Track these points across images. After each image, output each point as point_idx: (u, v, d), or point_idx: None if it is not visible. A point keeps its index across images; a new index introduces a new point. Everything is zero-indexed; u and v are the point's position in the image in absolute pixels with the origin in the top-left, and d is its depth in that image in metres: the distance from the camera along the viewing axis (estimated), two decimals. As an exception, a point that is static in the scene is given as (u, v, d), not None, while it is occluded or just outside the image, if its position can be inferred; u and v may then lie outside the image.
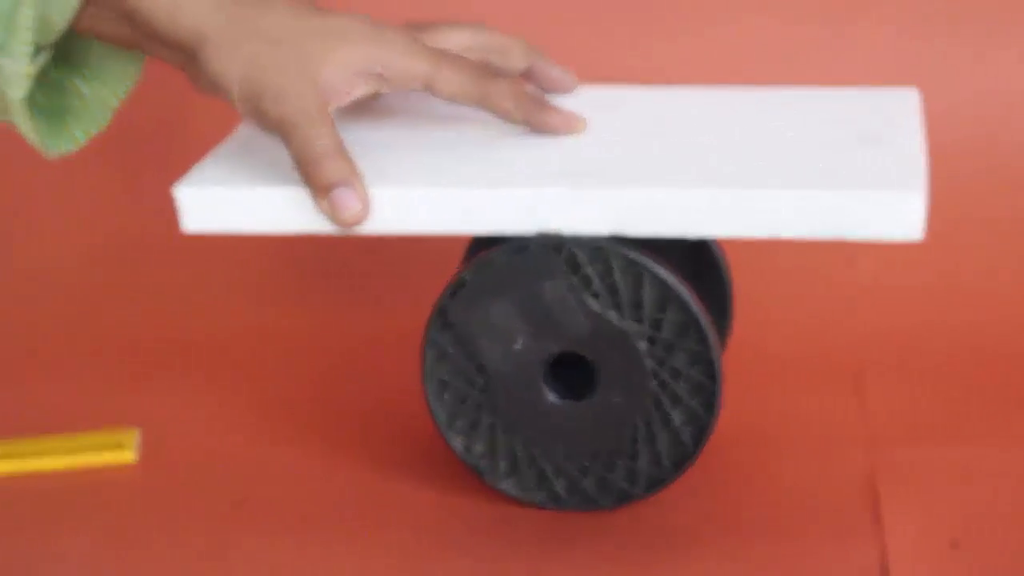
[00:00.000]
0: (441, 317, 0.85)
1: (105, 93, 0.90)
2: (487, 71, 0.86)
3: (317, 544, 0.87)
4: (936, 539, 0.85)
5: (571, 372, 0.86)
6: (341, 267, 1.15)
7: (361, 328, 1.10)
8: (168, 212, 0.86)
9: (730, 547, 0.86)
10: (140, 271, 1.15)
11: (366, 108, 0.89)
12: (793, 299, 1.07)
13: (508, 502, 0.89)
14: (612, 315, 0.83)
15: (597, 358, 0.84)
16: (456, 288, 0.84)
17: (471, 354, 0.85)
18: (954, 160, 1.09)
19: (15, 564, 0.87)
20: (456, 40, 0.89)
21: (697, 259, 0.95)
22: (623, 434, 0.86)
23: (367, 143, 0.85)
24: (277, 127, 0.82)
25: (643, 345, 0.83)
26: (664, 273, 0.82)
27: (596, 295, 0.83)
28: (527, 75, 0.91)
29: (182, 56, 0.84)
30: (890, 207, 0.78)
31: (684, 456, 0.86)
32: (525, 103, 0.86)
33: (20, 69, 0.82)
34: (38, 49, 0.83)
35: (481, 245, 0.95)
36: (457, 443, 0.87)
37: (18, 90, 0.83)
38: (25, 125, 0.85)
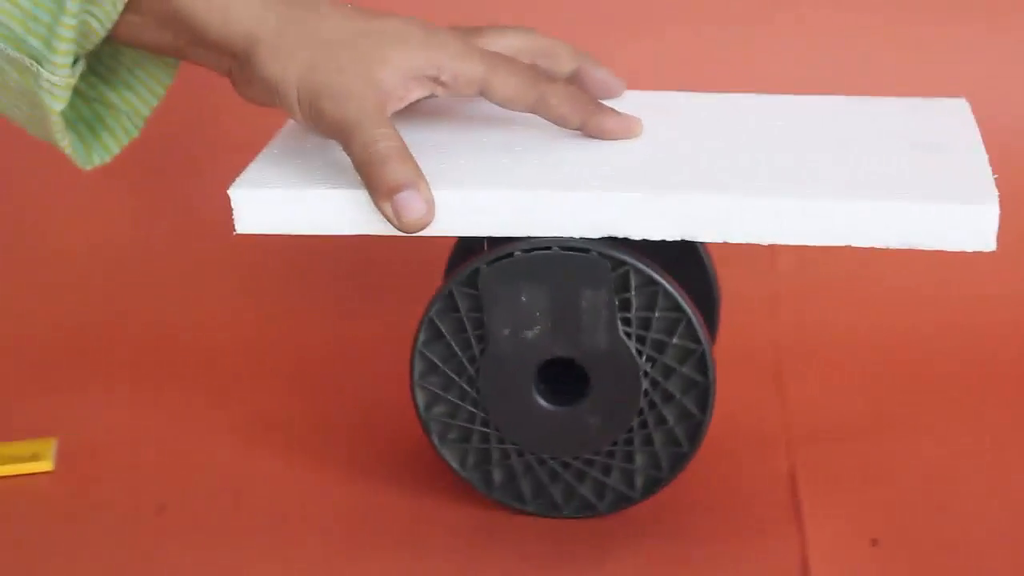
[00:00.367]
0: (431, 329, 0.85)
1: (136, 102, 0.89)
2: (542, 74, 0.85)
3: (241, 551, 0.87)
4: (856, 537, 0.85)
5: (559, 375, 0.86)
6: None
7: (301, 331, 1.10)
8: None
9: (649, 547, 0.86)
10: (62, 273, 1.14)
11: (413, 111, 0.87)
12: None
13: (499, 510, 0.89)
14: (627, 341, 0.84)
15: (588, 363, 0.84)
16: (500, 257, 0.83)
17: (466, 342, 0.85)
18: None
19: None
20: (505, 43, 0.88)
21: (683, 258, 0.94)
22: (617, 437, 0.86)
23: (420, 146, 0.83)
24: (337, 129, 0.81)
25: (633, 345, 0.84)
26: (649, 270, 0.82)
27: (628, 321, 0.83)
28: (574, 78, 0.90)
29: (228, 61, 0.84)
30: (965, 219, 0.79)
31: (680, 456, 0.86)
32: (581, 107, 0.86)
33: (60, 80, 0.81)
34: (76, 59, 0.82)
35: (465, 250, 0.94)
36: (451, 457, 0.87)
37: (58, 102, 0.82)
38: (63, 139, 0.84)
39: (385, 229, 0.82)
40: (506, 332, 0.84)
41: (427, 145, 0.85)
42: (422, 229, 0.81)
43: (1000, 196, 0.80)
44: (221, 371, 1.06)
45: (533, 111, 0.85)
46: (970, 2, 1.13)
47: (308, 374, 1.05)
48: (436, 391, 0.86)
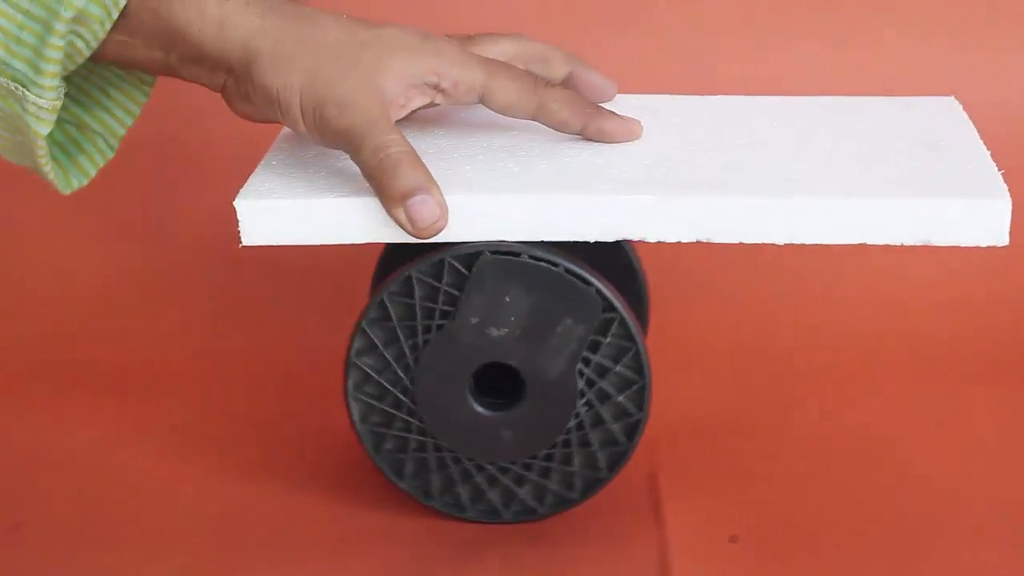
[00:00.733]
0: (364, 338, 0.85)
1: (111, 122, 0.88)
2: (540, 80, 0.86)
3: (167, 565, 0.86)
4: (715, 534, 0.86)
5: (491, 378, 0.86)
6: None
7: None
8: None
9: (510, 548, 0.86)
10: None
11: (410, 119, 0.87)
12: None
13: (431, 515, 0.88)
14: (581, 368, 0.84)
15: (531, 378, 0.84)
16: (501, 252, 0.82)
17: (400, 351, 0.85)
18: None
19: None
20: (498, 50, 0.88)
21: (612, 258, 0.95)
22: (555, 438, 0.86)
23: (422, 153, 0.83)
24: (344, 138, 0.81)
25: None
26: (583, 272, 0.83)
27: (591, 356, 0.84)
28: (567, 82, 0.90)
29: (223, 76, 0.83)
30: (979, 214, 0.80)
31: (619, 455, 0.86)
32: (581, 110, 0.86)
33: (47, 103, 0.80)
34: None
35: (391, 258, 0.94)
36: (386, 466, 0.87)
37: (45, 126, 0.81)
38: (47, 163, 0.83)
39: (397, 236, 0.82)
40: (474, 321, 0.83)
41: (429, 152, 0.85)
42: (436, 234, 0.81)
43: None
44: (159, 383, 1.06)
45: (533, 117, 0.86)
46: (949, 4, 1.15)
47: (244, 385, 1.05)
48: (371, 401, 0.86)
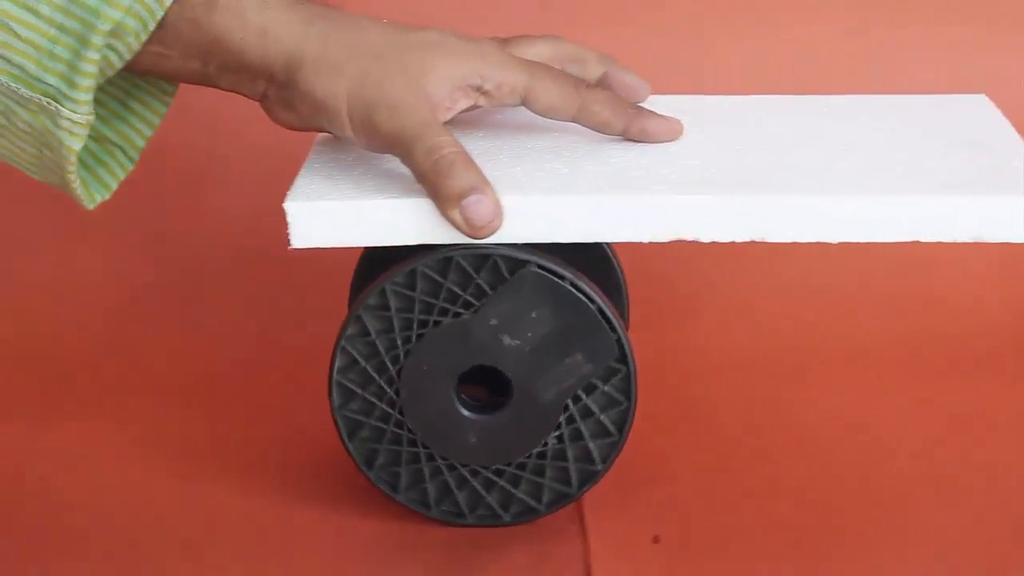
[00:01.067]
0: (358, 323, 0.84)
1: (131, 133, 0.87)
2: (582, 82, 0.86)
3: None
4: (638, 535, 0.86)
5: (478, 380, 0.86)
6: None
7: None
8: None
9: (431, 557, 0.86)
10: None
11: (451, 122, 0.86)
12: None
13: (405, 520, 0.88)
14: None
15: (519, 381, 0.84)
16: (546, 268, 0.83)
17: (381, 365, 0.84)
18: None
19: None
20: (535, 52, 0.88)
21: (594, 262, 0.94)
22: (524, 454, 0.86)
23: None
24: (395, 141, 0.81)
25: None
26: (612, 317, 0.83)
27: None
28: (602, 83, 0.89)
29: (265, 84, 0.83)
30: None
31: (590, 474, 0.86)
32: (623, 111, 0.86)
33: (82, 118, 0.79)
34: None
35: (370, 263, 0.93)
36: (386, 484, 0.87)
37: (78, 141, 0.80)
38: (75, 179, 0.82)
39: (450, 236, 0.82)
40: (493, 322, 0.83)
41: (474, 153, 0.84)
42: (492, 234, 0.81)
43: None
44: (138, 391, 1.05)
45: (575, 119, 0.86)
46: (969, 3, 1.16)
47: (224, 392, 1.04)
48: (358, 418, 0.86)
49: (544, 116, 0.85)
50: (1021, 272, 1.11)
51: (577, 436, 0.85)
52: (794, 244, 0.82)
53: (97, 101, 0.83)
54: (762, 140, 0.88)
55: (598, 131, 0.87)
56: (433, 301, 0.83)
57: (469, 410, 0.85)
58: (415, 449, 0.86)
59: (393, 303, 0.83)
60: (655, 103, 0.90)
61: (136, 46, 0.79)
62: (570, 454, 0.85)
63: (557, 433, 0.85)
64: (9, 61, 0.78)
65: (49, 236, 1.14)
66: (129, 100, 0.87)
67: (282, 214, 0.82)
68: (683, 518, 0.88)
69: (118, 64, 0.80)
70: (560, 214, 0.81)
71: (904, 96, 0.95)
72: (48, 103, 0.79)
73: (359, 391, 0.85)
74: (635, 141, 0.87)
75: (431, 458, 0.86)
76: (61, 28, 0.78)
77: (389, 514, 0.88)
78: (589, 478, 0.86)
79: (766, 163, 0.85)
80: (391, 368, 0.84)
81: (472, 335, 0.83)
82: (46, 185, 0.85)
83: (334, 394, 0.85)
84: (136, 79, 0.86)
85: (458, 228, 0.81)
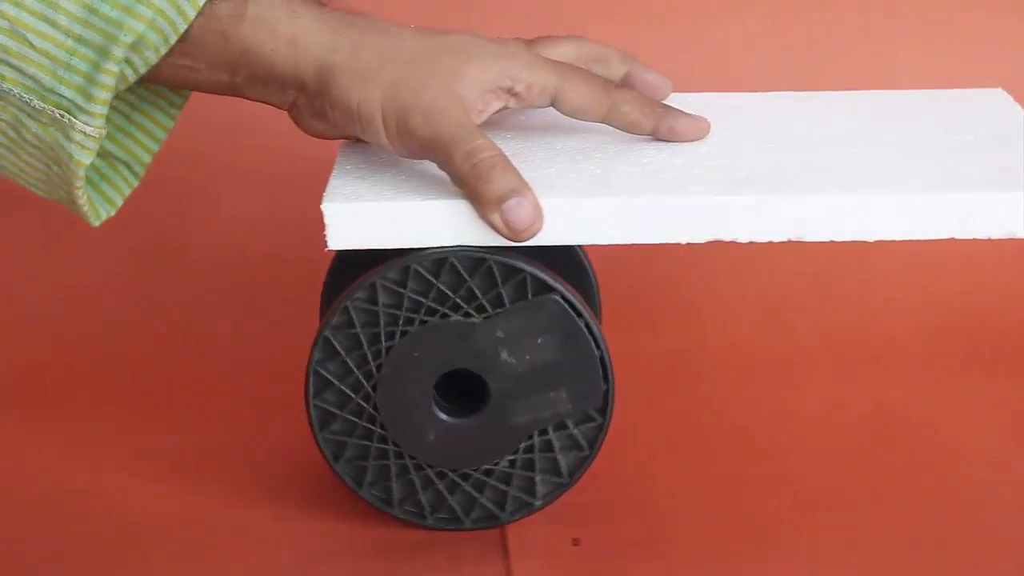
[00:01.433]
0: (344, 315, 0.83)
1: (137, 149, 0.86)
2: (610, 82, 0.86)
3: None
4: (557, 538, 0.86)
5: (455, 385, 0.86)
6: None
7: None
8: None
9: (349, 554, 0.86)
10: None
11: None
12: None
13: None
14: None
15: (498, 395, 0.84)
16: (570, 302, 0.83)
17: (362, 357, 0.84)
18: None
19: None
20: (560, 52, 0.88)
21: (567, 265, 0.94)
22: (485, 463, 0.86)
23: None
24: (432, 146, 0.81)
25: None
26: (609, 368, 0.83)
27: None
28: (625, 82, 0.89)
29: (295, 94, 0.83)
30: None
31: (556, 486, 0.86)
32: (651, 110, 0.86)
33: (95, 131, 0.79)
34: None
35: (343, 264, 0.93)
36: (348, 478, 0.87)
37: (88, 155, 0.79)
38: (83, 195, 0.81)
39: (490, 239, 0.82)
40: (498, 335, 0.83)
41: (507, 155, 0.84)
42: (533, 236, 0.81)
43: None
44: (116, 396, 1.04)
45: (604, 120, 0.86)
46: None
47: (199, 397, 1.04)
48: (331, 408, 0.85)
49: (573, 117, 0.85)
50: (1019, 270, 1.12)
51: (547, 447, 0.85)
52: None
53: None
54: (787, 137, 0.89)
55: (627, 131, 0.87)
56: (422, 300, 0.83)
57: (440, 408, 0.85)
58: (384, 446, 0.85)
59: (381, 299, 0.83)
60: (676, 101, 0.90)
61: (154, 60, 0.78)
62: (537, 464, 0.86)
63: (528, 443, 0.85)
64: (22, 72, 0.78)
65: (33, 242, 1.14)
66: (134, 115, 0.86)
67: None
68: (600, 520, 0.88)
69: (132, 78, 0.79)
70: (598, 216, 0.81)
71: (922, 91, 0.96)
72: (61, 115, 0.78)
73: (336, 382, 0.84)
74: (663, 140, 0.87)
75: (399, 456, 0.85)
76: (80, 40, 0.77)
77: (327, 515, 0.88)
78: (553, 491, 0.86)
79: (797, 161, 0.85)
80: (371, 363, 0.84)
81: (474, 339, 0.83)
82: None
83: (310, 384, 0.84)
84: (143, 93, 0.85)
85: (498, 231, 0.81)
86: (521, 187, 0.80)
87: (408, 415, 0.84)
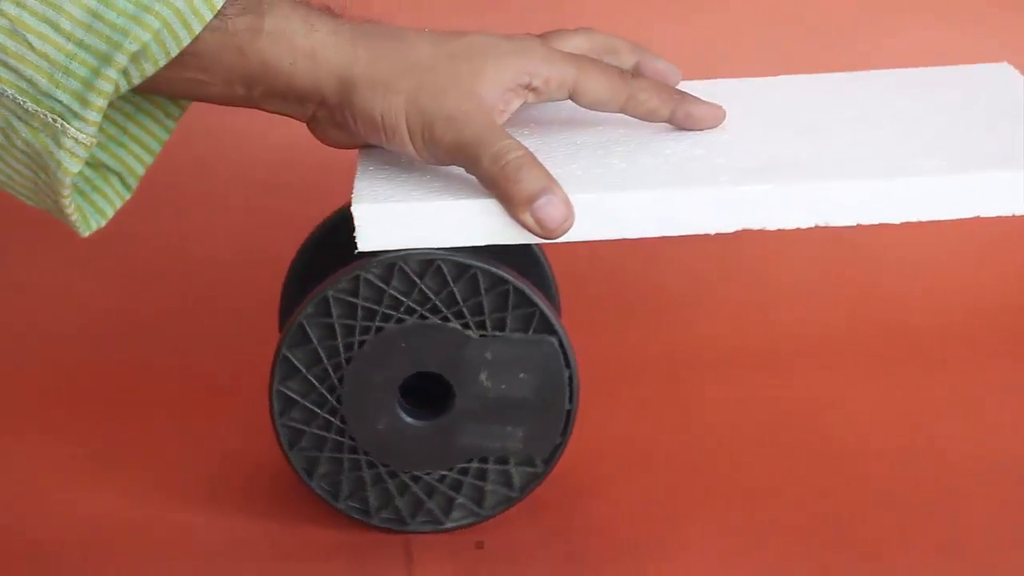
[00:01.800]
0: (301, 332, 0.83)
1: (130, 160, 0.85)
2: (626, 72, 0.86)
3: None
4: (461, 542, 0.87)
5: (419, 384, 0.86)
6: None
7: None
8: None
9: (251, 566, 0.86)
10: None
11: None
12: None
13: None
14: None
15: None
16: (564, 349, 0.84)
17: (324, 372, 0.84)
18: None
19: None
20: (573, 45, 0.88)
21: (522, 261, 0.94)
22: (422, 469, 0.86)
23: None
24: (458, 151, 0.81)
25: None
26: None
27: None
28: (636, 71, 0.89)
29: (314, 107, 0.83)
30: None
31: (505, 499, 0.87)
32: (668, 97, 0.86)
33: (87, 139, 0.78)
34: None
35: (298, 279, 0.94)
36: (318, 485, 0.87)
37: (77, 163, 0.78)
38: (69, 204, 0.81)
39: (521, 237, 0.82)
40: (487, 356, 0.83)
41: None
42: (565, 233, 0.81)
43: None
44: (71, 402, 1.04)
45: (622, 110, 0.86)
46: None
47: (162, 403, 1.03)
48: (299, 426, 0.85)
49: (592, 108, 0.86)
50: (1000, 263, 1.13)
51: (502, 459, 0.86)
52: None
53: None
54: (803, 121, 0.89)
55: (645, 119, 0.87)
56: (375, 307, 0.83)
57: (399, 403, 0.85)
58: (356, 456, 0.85)
59: (335, 310, 0.83)
60: (683, 89, 0.90)
61: (151, 71, 0.78)
62: (489, 474, 0.86)
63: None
64: (19, 73, 0.77)
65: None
66: (129, 125, 0.85)
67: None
68: (503, 524, 0.88)
69: (124, 88, 0.78)
70: (629, 211, 0.81)
71: (926, 69, 0.96)
72: (54, 120, 0.77)
73: (300, 399, 0.84)
74: (680, 127, 0.87)
75: (372, 465, 0.86)
76: (81, 44, 0.76)
77: (236, 515, 0.89)
78: (503, 501, 0.87)
79: (816, 145, 0.86)
80: (341, 354, 0.84)
81: (463, 350, 0.83)
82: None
83: (275, 403, 0.85)
84: (140, 104, 0.85)
85: (531, 231, 0.81)
86: (551, 185, 0.80)
87: (369, 403, 0.84)
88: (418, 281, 0.82)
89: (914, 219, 0.82)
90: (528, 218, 0.80)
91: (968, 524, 0.88)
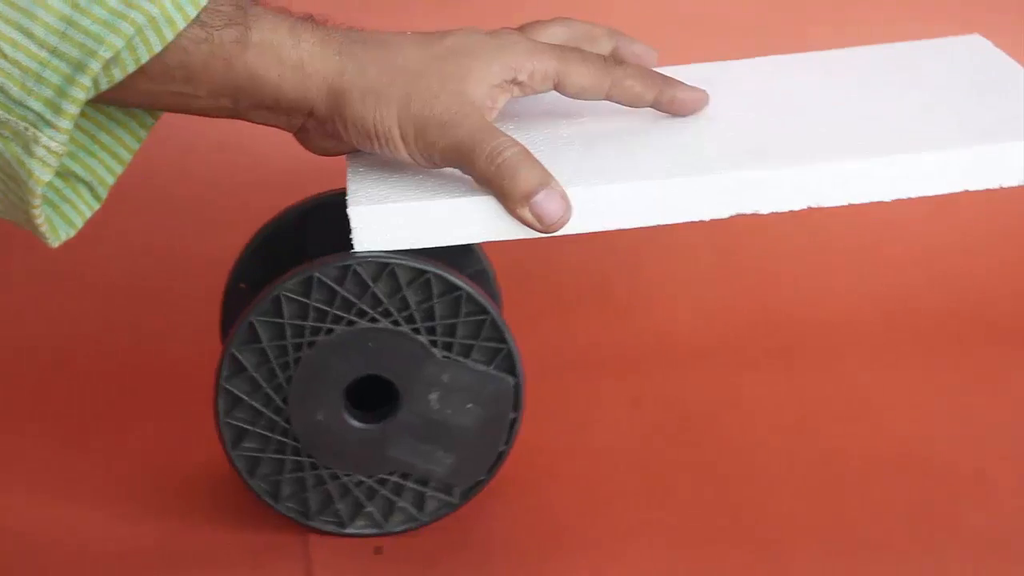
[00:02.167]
0: (250, 331, 0.83)
1: (100, 170, 0.85)
2: (609, 59, 0.86)
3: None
4: (359, 548, 0.87)
5: (363, 390, 0.86)
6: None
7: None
8: None
9: (146, 565, 0.87)
10: None
11: None
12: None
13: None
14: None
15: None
16: (518, 390, 0.84)
17: (271, 371, 0.84)
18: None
19: None
20: (550, 34, 0.88)
21: (464, 263, 0.95)
22: (363, 473, 0.86)
23: None
24: (453, 154, 0.82)
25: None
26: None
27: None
28: (614, 57, 0.89)
29: (303, 118, 0.82)
30: None
31: (444, 505, 0.87)
32: (651, 82, 0.86)
33: (59, 147, 0.77)
34: None
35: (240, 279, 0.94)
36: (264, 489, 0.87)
37: (48, 172, 0.78)
38: (39, 214, 0.80)
39: (518, 232, 0.82)
40: (445, 378, 0.84)
41: None
42: (563, 227, 0.82)
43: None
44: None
45: (607, 97, 0.86)
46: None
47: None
48: (243, 425, 0.85)
49: (576, 98, 0.86)
50: (969, 253, 1.14)
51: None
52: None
53: None
54: (785, 103, 0.90)
55: (630, 105, 0.87)
56: (327, 308, 0.83)
57: (345, 402, 0.85)
58: (318, 472, 0.86)
59: (263, 334, 0.83)
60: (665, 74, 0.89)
61: (119, 78, 0.77)
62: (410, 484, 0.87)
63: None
64: None
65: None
66: (100, 135, 0.84)
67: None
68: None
69: (92, 95, 0.77)
70: (625, 201, 0.82)
71: (901, 44, 0.96)
72: (26, 128, 0.76)
73: (245, 398, 0.84)
74: (666, 112, 0.88)
75: (314, 466, 0.86)
76: (55, 52, 0.76)
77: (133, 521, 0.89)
78: (409, 521, 0.87)
79: (804, 127, 0.86)
80: (290, 353, 0.84)
81: (422, 365, 0.84)
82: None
83: (220, 401, 0.85)
84: (112, 113, 0.84)
85: (530, 226, 0.81)
86: (547, 180, 0.81)
87: (314, 397, 0.84)
88: (371, 284, 0.82)
89: (904, 196, 0.83)
90: (527, 213, 0.81)
91: (851, 517, 0.89)
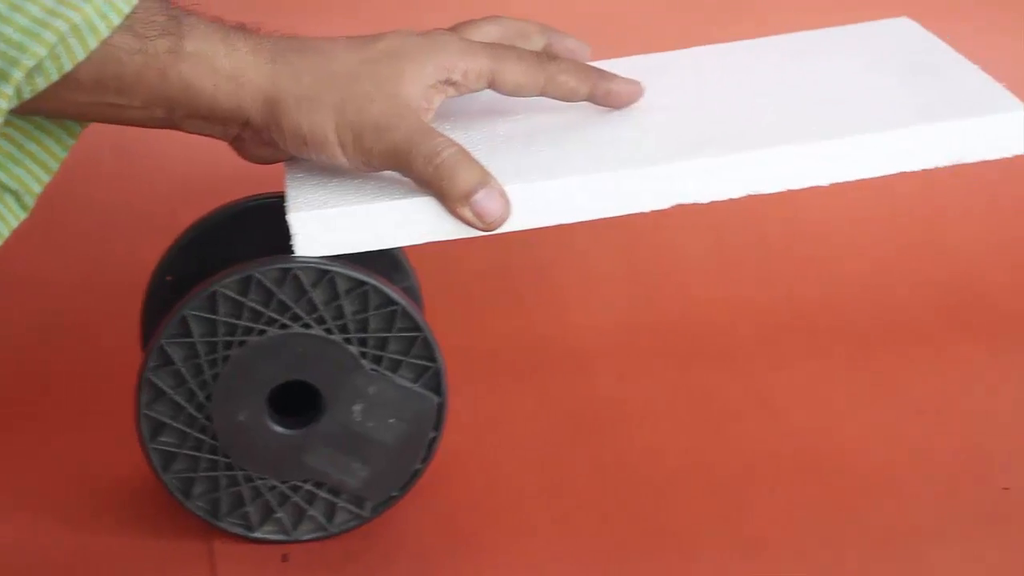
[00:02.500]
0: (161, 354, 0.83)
1: (28, 179, 0.84)
2: (543, 55, 0.86)
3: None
4: (266, 555, 0.87)
5: (286, 395, 0.86)
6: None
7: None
8: None
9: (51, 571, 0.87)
10: None
11: None
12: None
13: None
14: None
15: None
16: (441, 410, 0.85)
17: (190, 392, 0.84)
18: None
19: None
20: (483, 33, 0.88)
21: (389, 267, 0.94)
22: (277, 477, 0.86)
23: None
24: (390, 158, 0.82)
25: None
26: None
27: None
28: (548, 52, 0.89)
29: (237, 128, 0.82)
30: (1004, 127, 0.84)
31: (356, 518, 0.87)
32: (585, 76, 0.86)
33: None
34: None
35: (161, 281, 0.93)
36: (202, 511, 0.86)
37: None
38: None
39: (459, 232, 0.83)
40: (372, 390, 0.84)
41: None
42: (502, 224, 0.82)
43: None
44: None
45: (543, 93, 0.86)
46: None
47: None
48: (163, 419, 0.84)
49: (512, 95, 0.86)
50: (918, 249, 1.15)
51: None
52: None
53: None
54: (720, 92, 0.90)
55: (565, 100, 0.87)
56: (236, 322, 0.83)
57: (268, 405, 0.85)
58: (232, 473, 0.85)
59: (195, 329, 0.83)
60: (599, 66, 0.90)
61: (42, 86, 0.77)
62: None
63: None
64: None
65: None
66: (27, 143, 0.84)
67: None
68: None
69: (14, 104, 0.77)
70: (565, 197, 0.82)
71: (830, 29, 0.96)
72: None
73: (169, 391, 0.84)
74: (601, 105, 0.88)
75: (229, 467, 0.85)
76: None
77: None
78: (317, 530, 0.87)
79: (739, 115, 0.87)
80: (219, 351, 0.83)
81: (351, 373, 0.83)
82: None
83: (142, 393, 0.84)
84: (39, 122, 0.83)
85: (470, 225, 0.82)
86: (486, 179, 0.81)
87: (240, 401, 0.84)
88: (309, 290, 0.82)
89: (842, 180, 0.84)
90: (467, 212, 0.81)
91: (755, 515, 0.90)
